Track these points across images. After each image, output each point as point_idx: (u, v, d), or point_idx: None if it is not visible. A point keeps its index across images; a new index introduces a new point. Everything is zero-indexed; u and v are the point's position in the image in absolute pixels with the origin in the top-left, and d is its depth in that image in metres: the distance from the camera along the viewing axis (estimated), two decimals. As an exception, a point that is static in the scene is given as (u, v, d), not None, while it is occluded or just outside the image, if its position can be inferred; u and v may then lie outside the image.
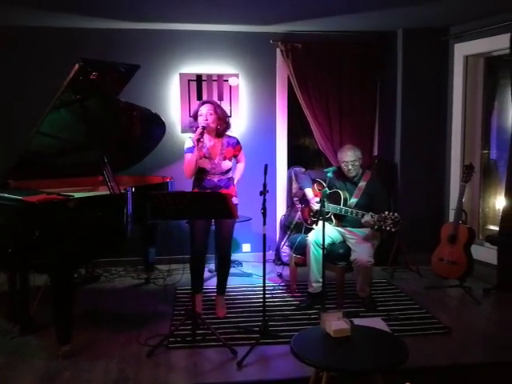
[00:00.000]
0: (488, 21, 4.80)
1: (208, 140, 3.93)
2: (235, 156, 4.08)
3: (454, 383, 3.18)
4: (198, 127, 3.86)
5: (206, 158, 3.89)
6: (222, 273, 4.11)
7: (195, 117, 3.94)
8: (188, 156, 3.91)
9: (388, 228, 3.76)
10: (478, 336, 3.66)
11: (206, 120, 3.85)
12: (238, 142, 4.05)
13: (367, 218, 3.91)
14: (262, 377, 3.09)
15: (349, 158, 4.19)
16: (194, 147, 3.86)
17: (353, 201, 4.17)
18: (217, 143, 3.97)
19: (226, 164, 3.96)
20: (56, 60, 4.91)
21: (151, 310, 4.14)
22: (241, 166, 4.18)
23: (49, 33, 5.05)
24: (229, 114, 5.32)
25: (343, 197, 4.18)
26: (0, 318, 3.80)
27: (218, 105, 3.99)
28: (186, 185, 4.20)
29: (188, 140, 3.97)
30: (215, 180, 3.94)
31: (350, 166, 4.20)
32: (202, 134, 3.78)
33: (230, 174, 4.03)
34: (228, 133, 4.05)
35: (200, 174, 3.93)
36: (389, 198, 5.23)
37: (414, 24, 5.16)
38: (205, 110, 3.88)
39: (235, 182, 4.10)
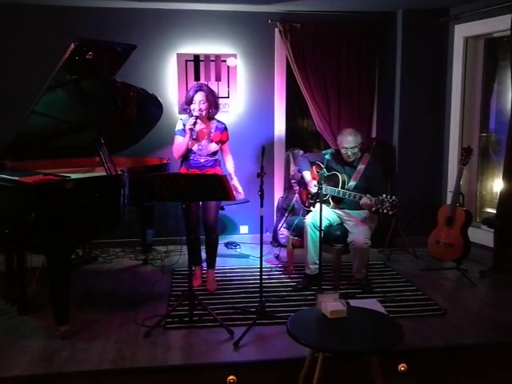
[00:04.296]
0: (489, 1, 4.74)
1: (198, 123, 4.06)
2: (222, 142, 4.18)
3: (449, 364, 3.21)
4: (190, 111, 4.04)
5: (193, 139, 4.05)
6: (210, 247, 4.29)
7: (189, 102, 4.07)
8: (178, 138, 4.11)
9: (385, 211, 3.77)
10: (473, 318, 3.68)
11: (200, 110, 4.01)
12: (225, 128, 4.20)
13: (365, 200, 3.91)
14: (258, 357, 3.11)
15: (349, 144, 4.14)
16: (184, 130, 4.05)
17: (351, 184, 4.16)
18: (206, 127, 4.12)
19: (212, 147, 4.12)
20: (51, 39, 4.84)
21: (148, 291, 4.15)
22: (230, 158, 4.28)
23: (44, 11, 4.96)
24: (227, 95, 5.32)
25: (342, 179, 4.17)
26: (-2, 298, 3.81)
27: (210, 90, 4.11)
28: (183, 166, 4.19)
29: (180, 122, 4.15)
30: (202, 161, 4.12)
31: (349, 153, 4.16)
32: (194, 124, 3.98)
33: (216, 156, 4.19)
34: (218, 117, 4.22)
35: (187, 154, 4.11)
36: (386, 181, 5.23)
37: (413, 5, 5.10)
38: (198, 98, 4.01)
39: (233, 174, 4.21)
